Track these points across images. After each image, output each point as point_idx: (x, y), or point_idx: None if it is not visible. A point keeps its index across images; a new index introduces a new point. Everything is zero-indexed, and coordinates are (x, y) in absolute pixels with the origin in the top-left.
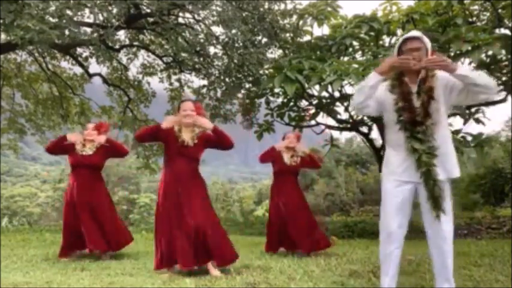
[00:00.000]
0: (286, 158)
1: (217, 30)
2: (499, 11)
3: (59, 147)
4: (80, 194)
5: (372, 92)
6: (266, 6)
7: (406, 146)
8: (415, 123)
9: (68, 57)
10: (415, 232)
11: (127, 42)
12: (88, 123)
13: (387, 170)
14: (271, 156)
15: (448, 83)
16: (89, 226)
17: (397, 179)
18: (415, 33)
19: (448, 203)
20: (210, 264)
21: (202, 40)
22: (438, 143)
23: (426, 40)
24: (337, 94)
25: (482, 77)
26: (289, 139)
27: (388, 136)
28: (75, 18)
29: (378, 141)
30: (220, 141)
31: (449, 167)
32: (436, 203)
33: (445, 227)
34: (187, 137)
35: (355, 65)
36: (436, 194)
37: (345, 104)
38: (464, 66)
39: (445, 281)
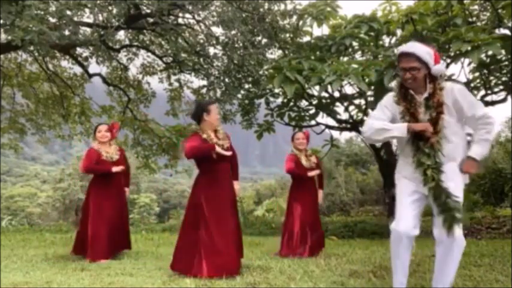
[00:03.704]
0: (304, 160)
1: (217, 30)
2: (499, 11)
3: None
4: (114, 198)
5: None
6: (266, 7)
7: (414, 159)
8: (423, 137)
9: (68, 56)
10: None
11: (127, 42)
12: (100, 125)
13: (400, 175)
14: (294, 162)
15: (460, 101)
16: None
17: (408, 187)
18: (409, 48)
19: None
20: None
21: (202, 41)
22: (449, 159)
23: (424, 54)
24: (337, 94)
25: (490, 142)
26: (299, 140)
27: (400, 145)
28: (75, 19)
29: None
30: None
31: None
32: (450, 217)
33: (457, 236)
34: (224, 141)
35: (355, 65)
36: (450, 207)
37: (345, 104)
38: (478, 152)
39: (441, 283)
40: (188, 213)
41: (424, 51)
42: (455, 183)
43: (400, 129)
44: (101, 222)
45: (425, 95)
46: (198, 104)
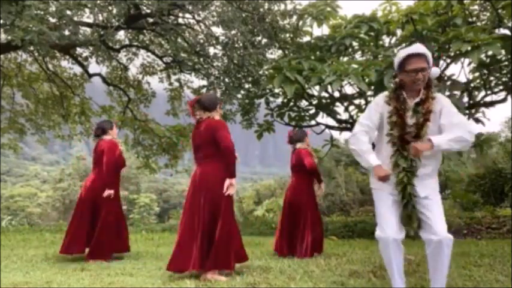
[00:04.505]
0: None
1: (217, 30)
2: (499, 11)
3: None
4: (118, 196)
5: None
6: (266, 7)
7: (391, 160)
8: (404, 140)
9: (68, 56)
10: (415, 232)
11: (127, 42)
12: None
13: (375, 180)
14: (312, 157)
15: (442, 110)
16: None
17: (384, 191)
18: (419, 49)
19: (436, 211)
20: None
21: (202, 41)
22: (425, 164)
23: (429, 56)
24: (337, 94)
25: (457, 144)
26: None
27: (379, 144)
28: (75, 19)
29: None
30: None
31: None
32: (407, 221)
33: (439, 232)
34: None
35: (355, 65)
36: (407, 212)
37: (345, 104)
38: (438, 140)
39: (438, 283)
40: (231, 207)
41: (428, 52)
42: (429, 188)
43: (369, 165)
44: (113, 221)
45: (417, 100)
46: (215, 94)
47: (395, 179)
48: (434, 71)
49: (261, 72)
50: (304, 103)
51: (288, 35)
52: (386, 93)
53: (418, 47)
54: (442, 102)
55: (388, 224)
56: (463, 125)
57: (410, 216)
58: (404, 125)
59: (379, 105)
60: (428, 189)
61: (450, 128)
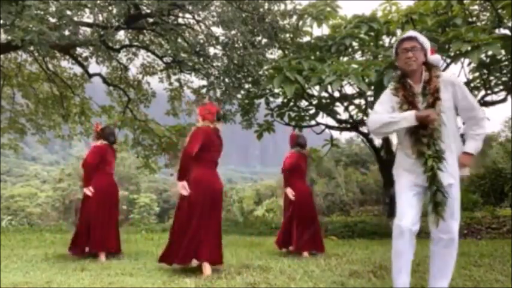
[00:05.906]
0: None
1: (217, 30)
2: (499, 11)
3: None
4: None
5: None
6: (266, 7)
7: (413, 149)
8: (421, 126)
9: (68, 56)
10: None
11: (127, 42)
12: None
13: (400, 168)
14: None
15: (456, 89)
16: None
17: (408, 180)
18: (410, 33)
19: (455, 207)
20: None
21: (202, 41)
22: (446, 145)
23: (423, 39)
24: (337, 94)
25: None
26: None
27: (399, 138)
28: (75, 19)
29: (378, 141)
30: None
31: (458, 167)
32: (437, 209)
33: (452, 230)
34: None
35: (355, 65)
36: (437, 200)
37: (345, 104)
38: (472, 150)
39: (440, 283)
40: None
41: (423, 38)
42: (452, 178)
43: (408, 118)
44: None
45: (422, 84)
46: None
47: (422, 167)
48: (435, 57)
49: (261, 72)
50: (304, 103)
51: (288, 35)
52: (390, 86)
53: (409, 32)
54: (452, 80)
55: (406, 215)
56: (478, 112)
57: (440, 204)
58: (417, 109)
59: (387, 100)
60: (451, 179)
61: (467, 117)
